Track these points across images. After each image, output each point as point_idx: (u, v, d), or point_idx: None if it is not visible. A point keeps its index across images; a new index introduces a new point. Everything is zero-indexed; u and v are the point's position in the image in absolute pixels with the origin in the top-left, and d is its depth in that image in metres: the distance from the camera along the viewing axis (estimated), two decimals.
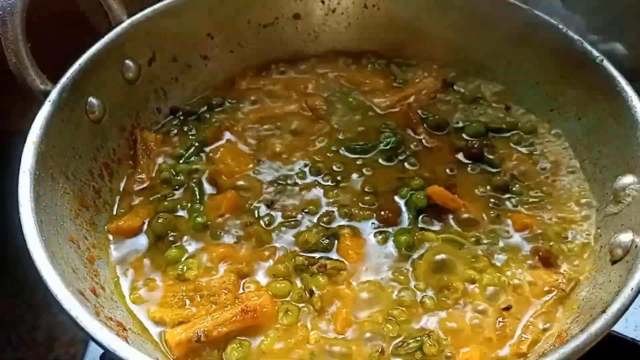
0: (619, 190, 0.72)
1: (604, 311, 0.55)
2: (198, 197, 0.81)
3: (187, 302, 0.69)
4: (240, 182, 0.83)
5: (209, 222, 0.78)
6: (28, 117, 0.73)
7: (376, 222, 0.78)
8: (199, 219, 0.78)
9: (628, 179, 0.71)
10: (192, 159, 0.86)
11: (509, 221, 0.77)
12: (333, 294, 0.70)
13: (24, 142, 0.70)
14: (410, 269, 0.73)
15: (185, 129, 0.92)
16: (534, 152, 0.86)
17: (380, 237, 0.76)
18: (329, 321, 0.68)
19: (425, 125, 0.90)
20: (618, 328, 0.70)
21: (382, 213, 0.78)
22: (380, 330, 0.67)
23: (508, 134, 0.89)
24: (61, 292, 0.57)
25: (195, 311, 0.68)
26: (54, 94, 0.75)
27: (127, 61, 0.88)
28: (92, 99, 0.81)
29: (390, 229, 0.77)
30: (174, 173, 0.84)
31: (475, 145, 0.85)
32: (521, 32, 0.89)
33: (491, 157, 0.85)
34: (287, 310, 0.68)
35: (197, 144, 0.88)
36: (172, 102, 0.95)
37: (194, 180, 0.83)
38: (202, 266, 0.73)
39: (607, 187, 0.75)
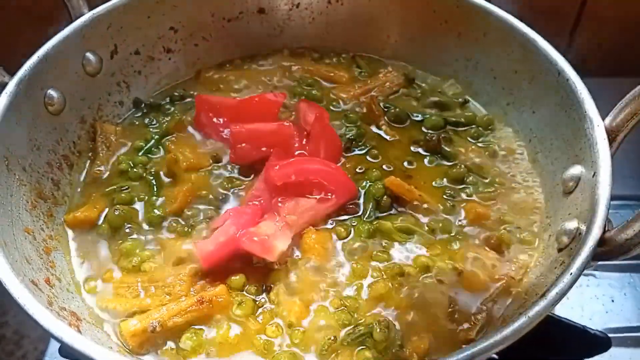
0: (567, 180, 0.74)
1: (543, 295, 0.57)
2: (155, 189, 0.81)
3: (142, 293, 0.70)
4: (198, 174, 0.83)
5: (165, 215, 0.78)
6: None
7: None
8: (155, 212, 0.78)
9: (576, 170, 0.72)
10: (152, 151, 0.87)
11: (463, 211, 0.79)
12: (289, 286, 0.71)
13: None
14: (367, 260, 0.74)
15: (147, 121, 0.92)
16: (490, 145, 0.88)
17: (341, 228, 0.77)
18: (283, 311, 0.68)
19: (386, 118, 0.92)
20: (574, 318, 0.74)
21: None
22: (333, 318, 0.68)
23: (465, 128, 0.91)
24: (10, 280, 0.57)
25: (150, 302, 0.68)
26: (10, 86, 0.75)
27: (88, 54, 0.88)
28: (51, 91, 0.81)
29: (349, 220, 0.78)
30: (132, 165, 0.84)
31: (433, 138, 0.87)
32: (479, 28, 0.91)
33: (448, 149, 0.87)
34: (241, 301, 0.69)
35: (157, 136, 0.88)
36: (135, 95, 0.95)
37: (151, 172, 0.83)
38: (158, 258, 0.73)
39: (557, 178, 0.77)
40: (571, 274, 0.57)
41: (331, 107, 0.94)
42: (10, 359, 1.21)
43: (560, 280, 0.57)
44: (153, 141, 0.88)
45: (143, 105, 0.95)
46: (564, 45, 1.28)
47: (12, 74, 0.76)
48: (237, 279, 0.71)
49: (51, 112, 0.81)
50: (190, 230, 0.77)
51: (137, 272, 0.72)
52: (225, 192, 0.82)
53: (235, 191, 0.82)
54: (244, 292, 0.71)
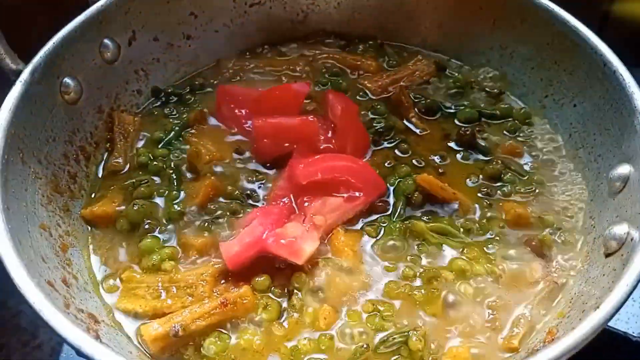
0: (614, 180, 0.69)
1: (597, 307, 0.53)
2: (175, 183, 0.78)
3: (163, 293, 0.66)
4: (220, 169, 0.79)
5: (186, 210, 0.75)
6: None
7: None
8: (175, 207, 0.75)
9: (624, 169, 0.68)
10: (172, 143, 0.83)
11: (501, 210, 0.75)
12: (316, 289, 0.67)
13: None
14: (400, 262, 0.70)
15: (166, 111, 0.88)
16: (527, 140, 0.83)
17: (370, 228, 0.73)
18: (311, 317, 0.65)
19: (416, 109, 0.87)
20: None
21: None
22: (365, 324, 0.64)
23: (501, 121, 0.86)
24: (25, 283, 0.54)
25: (171, 303, 0.65)
26: (25, 74, 0.71)
27: (106, 40, 0.84)
28: (67, 80, 0.78)
29: (379, 219, 0.74)
30: (152, 158, 0.80)
31: (467, 132, 0.82)
32: (516, 15, 0.86)
33: (484, 144, 0.82)
34: (266, 304, 0.66)
35: (177, 128, 0.85)
36: (154, 84, 0.92)
37: (171, 165, 0.80)
38: (179, 257, 0.70)
39: (601, 176, 0.73)
40: (627, 285, 0.53)
41: (358, 97, 0.90)
42: (26, 349, 1.19)
43: (616, 291, 0.53)
44: (173, 133, 0.84)
45: (162, 94, 0.91)
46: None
47: (26, 61, 0.73)
48: (262, 280, 0.67)
49: (67, 101, 0.78)
50: (212, 226, 0.73)
51: (158, 271, 0.69)
52: (248, 185, 0.78)
53: (259, 185, 0.78)
54: (269, 295, 0.67)
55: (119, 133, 0.83)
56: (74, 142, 0.79)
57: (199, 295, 0.65)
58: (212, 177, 0.77)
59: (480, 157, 0.81)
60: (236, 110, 0.85)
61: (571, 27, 0.79)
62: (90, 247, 0.73)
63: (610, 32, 1.20)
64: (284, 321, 0.65)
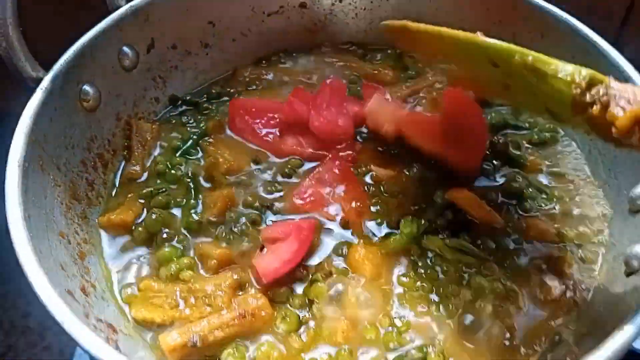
0: (636, 198, 0.68)
1: (621, 328, 0.52)
2: (193, 193, 0.77)
3: (181, 303, 0.66)
4: (238, 178, 0.79)
5: (204, 220, 0.74)
6: (21, 100, 0.69)
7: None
8: (193, 216, 0.74)
9: None
10: (190, 151, 0.83)
11: (521, 227, 0.74)
12: (333, 301, 0.66)
13: (12, 127, 0.66)
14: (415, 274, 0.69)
15: (184, 119, 0.88)
16: (549, 155, 0.83)
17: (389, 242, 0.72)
18: (329, 330, 0.64)
19: None
20: None
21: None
22: (382, 340, 0.64)
23: (524, 132, 0.86)
24: (47, 293, 0.53)
25: (189, 313, 0.65)
26: (46, 81, 0.71)
27: (125, 48, 0.84)
28: (87, 87, 0.78)
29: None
30: (170, 166, 0.80)
31: (501, 140, 0.81)
32: (536, 29, 0.86)
33: (517, 153, 0.81)
34: (285, 315, 0.65)
35: (195, 136, 0.85)
36: (171, 92, 0.92)
37: (189, 174, 0.79)
38: (197, 267, 0.70)
39: (622, 193, 0.72)
40: None
41: None
42: (34, 350, 1.19)
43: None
44: (191, 141, 0.84)
45: (180, 102, 0.91)
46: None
47: (46, 68, 0.73)
48: (282, 291, 0.67)
49: (86, 108, 0.78)
50: (230, 236, 0.73)
51: (176, 280, 0.69)
52: (267, 196, 0.78)
53: (278, 196, 0.78)
54: (288, 306, 0.67)
55: (137, 141, 0.83)
56: (92, 149, 0.79)
57: (217, 305, 0.65)
58: (230, 187, 0.77)
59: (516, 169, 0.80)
60: (251, 122, 0.85)
61: (591, 42, 0.79)
62: (107, 255, 0.73)
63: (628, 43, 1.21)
64: (301, 334, 0.65)
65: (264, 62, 0.99)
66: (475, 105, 0.80)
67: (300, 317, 0.66)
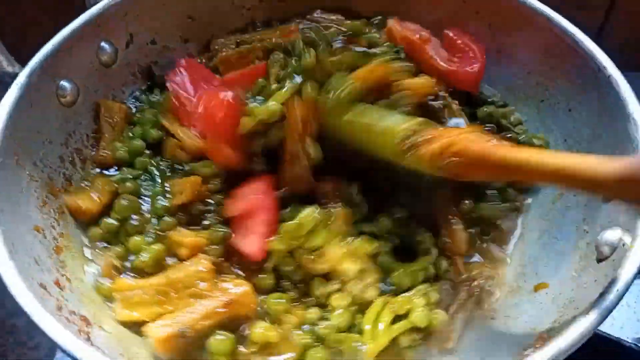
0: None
1: (588, 312, 0.53)
2: (160, 179, 0.76)
3: (161, 296, 0.65)
4: (205, 160, 0.75)
5: (174, 207, 0.73)
6: None
7: None
8: (161, 203, 0.73)
9: None
10: (158, 134, 0.81)
11: None
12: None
13: None
14: None
15: (152, 99, 0.86)
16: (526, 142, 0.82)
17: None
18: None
19: None
20: (603, 327, 0.69)
21: None
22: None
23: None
24: (17, 286, 0.54)
25: (173, 305, 0.64)
26: (22, 77, 0.72)
27: (103, 43, 0.84)
28: (64, 83, 0.78)
29: None
30: (135, 151, 0.79)
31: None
32: (512, 19, 0.86)
33: None
34: (271, 298, 0.66)
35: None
36: None
37: (158, 159, 0.79)
38: (169, 255, 0.70)
39: None
40: (617, 290, 0.53)
41: None
42: (23, 349, 1.19)
43: (607, 297, 0.53)
44: (157, 123, 0.81)
45: (151, 80, 0.90)
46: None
47: (23, 63, 0.73)
48: (265, 277, 0.68)
49: (64, 104, 0.78)
50: (201, 222, 0.72)
51: (154, 270, 0.68)
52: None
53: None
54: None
55: (106, 121, 0.82)
56: (70, 145, 0.79)
57: (200, 294, 0.64)
58: (198, 170, 0.75)
59: None
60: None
61: (567, 32, 0.79)
62: (85, 248, 0.73)
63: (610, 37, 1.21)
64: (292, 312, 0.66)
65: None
66: None
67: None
